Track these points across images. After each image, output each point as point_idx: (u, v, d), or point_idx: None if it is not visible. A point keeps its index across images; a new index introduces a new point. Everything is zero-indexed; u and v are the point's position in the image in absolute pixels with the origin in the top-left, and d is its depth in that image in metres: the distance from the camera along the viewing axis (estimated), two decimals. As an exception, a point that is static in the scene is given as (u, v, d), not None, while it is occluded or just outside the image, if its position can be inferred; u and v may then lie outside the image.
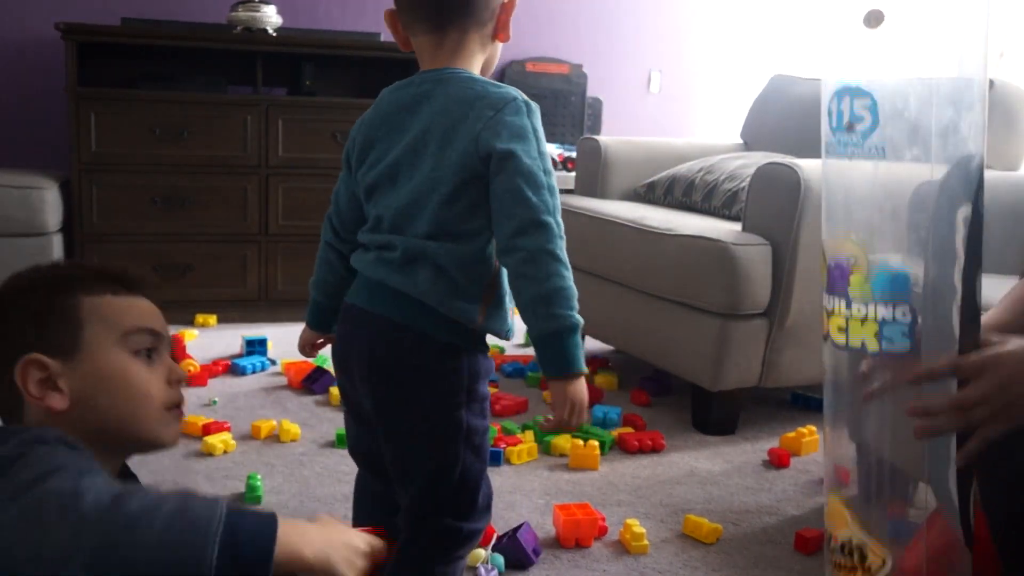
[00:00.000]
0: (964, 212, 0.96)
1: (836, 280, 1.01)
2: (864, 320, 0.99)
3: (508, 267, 1.11)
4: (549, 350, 1.11)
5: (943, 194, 0.97)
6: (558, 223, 1.09)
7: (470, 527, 1.17)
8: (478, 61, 1.20)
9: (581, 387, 1.15)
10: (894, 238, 0.99)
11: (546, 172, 1.10)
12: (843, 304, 1.01)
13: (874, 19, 0.93)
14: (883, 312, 0.98)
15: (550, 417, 1.15)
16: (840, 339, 1.02)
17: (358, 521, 1.29)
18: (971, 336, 0.99)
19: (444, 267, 1.11)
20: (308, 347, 1.35)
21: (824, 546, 1.14)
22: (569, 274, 1.09)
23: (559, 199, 1.11)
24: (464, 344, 1.15)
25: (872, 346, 0.99)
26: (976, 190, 0.97)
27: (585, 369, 1.14)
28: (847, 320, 1.00)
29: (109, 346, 0.86)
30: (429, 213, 1.12)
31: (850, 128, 0.98)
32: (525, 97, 1.13)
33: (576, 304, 1.10)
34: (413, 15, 1.20)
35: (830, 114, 0.99)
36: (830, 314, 1.03)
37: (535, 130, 1.12)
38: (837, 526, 1.11)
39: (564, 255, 1.09)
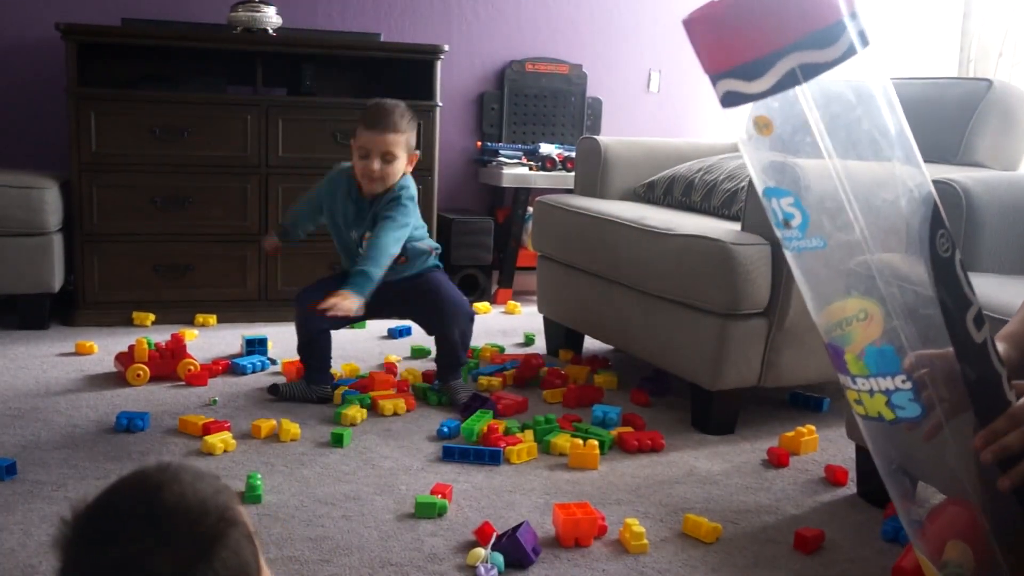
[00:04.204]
0: (926, 259, 0.98)
1: (835, 361, 1.03)
2: (872, 393, 1.01)
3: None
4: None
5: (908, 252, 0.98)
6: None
7: None
8: None
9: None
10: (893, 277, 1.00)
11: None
12: (850, 380, 1.02)
13: (763, 126, 0.94)
14: (884, 384, 1.00)
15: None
16: (860, 411, 1.04)
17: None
18: (987, 387, 1.00)
19: None
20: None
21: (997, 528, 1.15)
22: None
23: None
24: None
25: (888, 415, 1.01)
26: (931, 232, 0.97)
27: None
28: (859, 394, 1.02)
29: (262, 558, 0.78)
30: None
31: (787, 225, 0.99)
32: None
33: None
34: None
35: (770, 213, 1.00)
36: (845, 388, 1.05)
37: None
38: None
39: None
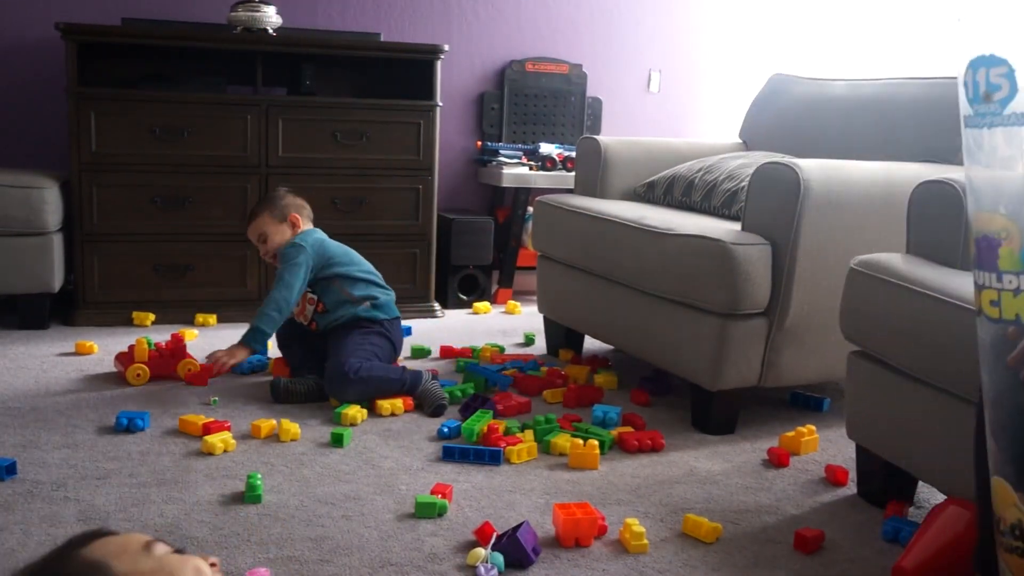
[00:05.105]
0: None
1: (985, 254, 1.01)
2: (1017, 292, 0.98)
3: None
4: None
5: None
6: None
7: None
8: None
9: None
10: None
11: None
12: (994, 277, 1.00)
13: None
14: None
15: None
16: (993, 313, 1.01)
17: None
18: None
19: None
20: None
21: (993, 527, 1.12)
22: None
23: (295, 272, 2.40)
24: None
25: None
26: None
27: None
28: (999, 293, 1.00)
29: (143, 560, 0.85)
30: None
31: (987, 98, 0.97)
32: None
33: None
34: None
35: (966, 86, 0.98)
36: (981, 288, 1.02)
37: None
38: (1005, 507, 1.09)
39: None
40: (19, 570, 0.86)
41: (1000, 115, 0.96)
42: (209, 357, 2.38)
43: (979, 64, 0.97)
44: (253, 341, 2.37)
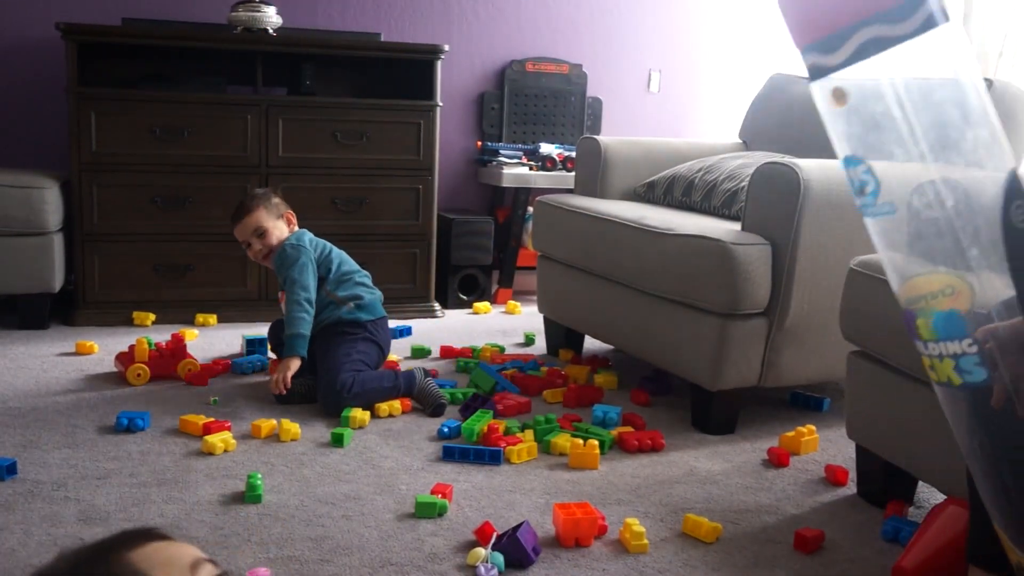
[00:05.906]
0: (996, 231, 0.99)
1: (909, 326, 1.06)
2: (941, 358, 1.03)
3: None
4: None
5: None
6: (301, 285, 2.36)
7: None
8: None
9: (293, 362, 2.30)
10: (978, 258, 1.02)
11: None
12: (922, 346, 1.05)
13: (838, 97, 1.00)
14: (952, 347, 1.02)
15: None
16: (934, 377, 1.07)
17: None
18: None
19: None
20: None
21: (986, 519, 1.15)
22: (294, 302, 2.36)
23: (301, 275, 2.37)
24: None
25: (956, 380, 1.04)
26: (1006, 200, 0.99)
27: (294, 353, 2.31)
28: (931, 359, 1.05)
29: None
30: None
31: (861, 192, 1.02)
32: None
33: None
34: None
35: (848, 181, 1.04)
36: (920, 354, 1.07)
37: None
38: (1008, 550, 1.13)
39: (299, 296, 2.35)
40: (61, 555, 0.83)
41: (875, 206, 1.03)
42: (271, 386, 2.28)
43: (847, 163, 1.04)
44: (298, 348, 2.30)
